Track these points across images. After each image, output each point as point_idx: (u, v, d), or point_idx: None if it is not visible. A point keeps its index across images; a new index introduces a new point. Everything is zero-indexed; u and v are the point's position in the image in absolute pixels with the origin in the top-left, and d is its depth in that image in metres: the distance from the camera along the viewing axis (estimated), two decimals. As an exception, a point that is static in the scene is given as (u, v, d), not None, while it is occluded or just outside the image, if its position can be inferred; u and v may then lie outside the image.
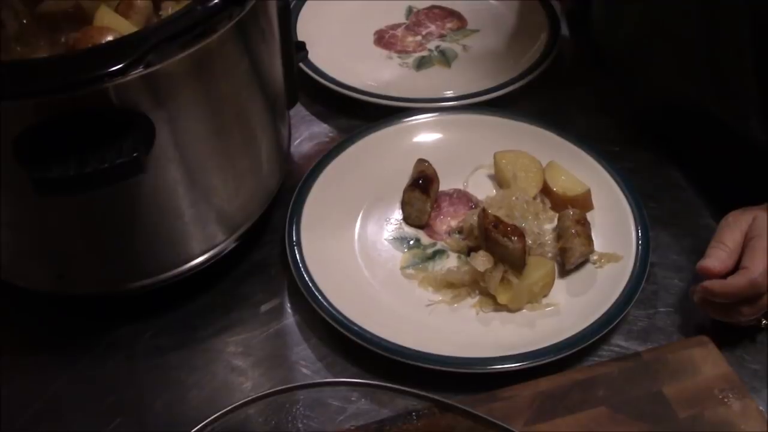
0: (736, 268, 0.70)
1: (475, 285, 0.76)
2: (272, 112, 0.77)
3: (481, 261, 0.74)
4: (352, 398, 0.69)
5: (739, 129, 0.83)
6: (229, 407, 0.61)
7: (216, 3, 0.61)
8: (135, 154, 0.59)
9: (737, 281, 0.68)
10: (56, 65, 0.59)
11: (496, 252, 0.74)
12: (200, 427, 0.59)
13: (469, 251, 0.78)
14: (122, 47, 0.58)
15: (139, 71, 0.58)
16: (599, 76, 1.01)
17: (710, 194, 0.87)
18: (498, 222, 0.75)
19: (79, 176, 0.57)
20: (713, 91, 0.83)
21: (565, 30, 1.05)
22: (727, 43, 0.79)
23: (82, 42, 0.68)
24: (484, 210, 0.76)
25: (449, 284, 0.76)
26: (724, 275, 0.70)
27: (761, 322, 0.72)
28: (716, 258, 0.70)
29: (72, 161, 0.57)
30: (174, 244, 0.72)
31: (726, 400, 0.66)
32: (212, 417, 0.60)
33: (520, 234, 0.74)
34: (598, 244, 0.79)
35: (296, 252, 0.77)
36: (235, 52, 0.66)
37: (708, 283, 0.69)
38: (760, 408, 0.66)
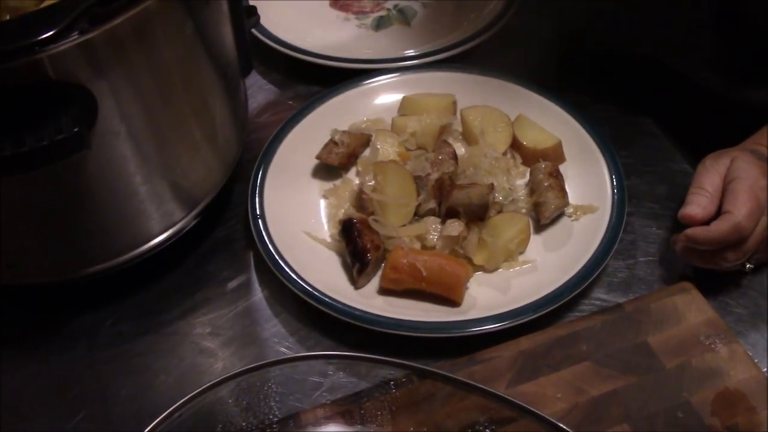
0: (718, 212, 0.68)
1: (452, 252, 0.73)
2: (224, 80, 0.73)
3: (454, 226, 0.72)
4: (329, 372, 0.66)
5: (696, 79, 0.82)
6: (197, 390, 0.58)
7: (151, -37, 0.57)
8: (76, 129, 0.55)
9: (721, 226, 0.66)
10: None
11: (459, 207, 0.72)
12: (167, 414, 0.56)
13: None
14: (52, 13, 0.54)
15: (74, 38, 0.54)
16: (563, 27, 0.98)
17: (683, 139, 0.85)
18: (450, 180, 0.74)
19: (17, 156, 0.54)
20: (671, 45, 0.82)
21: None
22: None
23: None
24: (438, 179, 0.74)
25: (422, 248, 0.74)
26: (707, 221, 0.67)
27: (745, 266, 0.70)
28: (698, 204, 0.68)
29: (7, 140, 0.53)
30: (129, 225, 0.68)
31: (713, 346, 0.64)
32: (179, 402, 0.57)
33: (475, 183, 0.73)
34: (573, 197, 0.76)
35: (260, 225, 0.74)
36: (177, 17, 0.62)
37: (691, 231, 0.67)
38: (748, 352, 0.64)
